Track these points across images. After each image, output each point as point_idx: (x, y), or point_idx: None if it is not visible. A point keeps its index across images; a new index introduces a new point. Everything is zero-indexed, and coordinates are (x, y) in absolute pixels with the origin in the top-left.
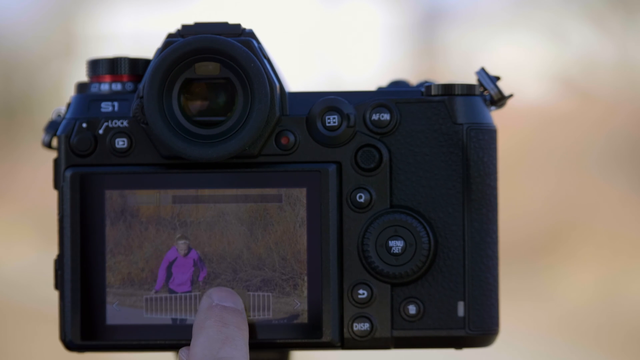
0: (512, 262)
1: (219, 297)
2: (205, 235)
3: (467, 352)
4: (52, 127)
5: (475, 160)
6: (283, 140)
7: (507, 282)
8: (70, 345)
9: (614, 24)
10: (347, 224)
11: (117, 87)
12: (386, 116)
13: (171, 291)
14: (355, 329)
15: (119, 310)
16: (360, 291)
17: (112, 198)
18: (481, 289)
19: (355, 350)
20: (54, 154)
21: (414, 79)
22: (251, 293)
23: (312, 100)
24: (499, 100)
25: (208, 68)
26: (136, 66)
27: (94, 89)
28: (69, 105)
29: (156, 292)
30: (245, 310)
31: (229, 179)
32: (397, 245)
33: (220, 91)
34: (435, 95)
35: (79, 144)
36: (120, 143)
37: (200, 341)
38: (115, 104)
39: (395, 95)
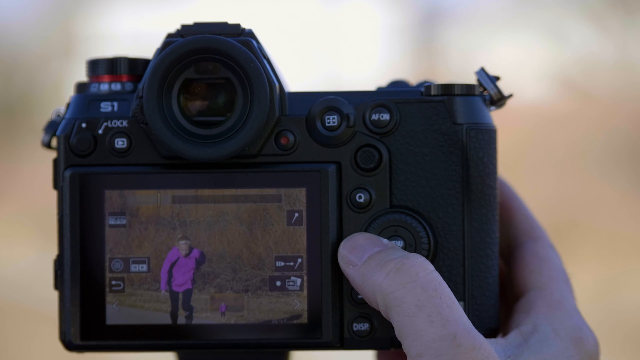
0: None
1: None
2: (204, 235)
3: None
4: (51, 127)
5: (475, 160)
6: (282, 140)
7: None
8: (69, 345)
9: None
10: (346, 224)
11: (117, 87)
12: (386, 116)
13: (173, 292)
14: (355, 329)
15: (118, 310)
16: None
17: (112, 198)
18: (481, 289)
19: (355, 350)
20: (53, 154)
21: (413, 79)
22: (251, 293)
23: (311, 100)
24: (499, 100)
25: (208, 68)
26: (135, 66)
27: (93, 89)
28: (68, 105)
29: (158, 292)
30: (245, 310)
31: (229, 179)
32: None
33: (220, 91)
34: (434, 95)
35: (78, 144)
36: (120, 143)
37: None
38: (115, 104)
39: (395, 95)
